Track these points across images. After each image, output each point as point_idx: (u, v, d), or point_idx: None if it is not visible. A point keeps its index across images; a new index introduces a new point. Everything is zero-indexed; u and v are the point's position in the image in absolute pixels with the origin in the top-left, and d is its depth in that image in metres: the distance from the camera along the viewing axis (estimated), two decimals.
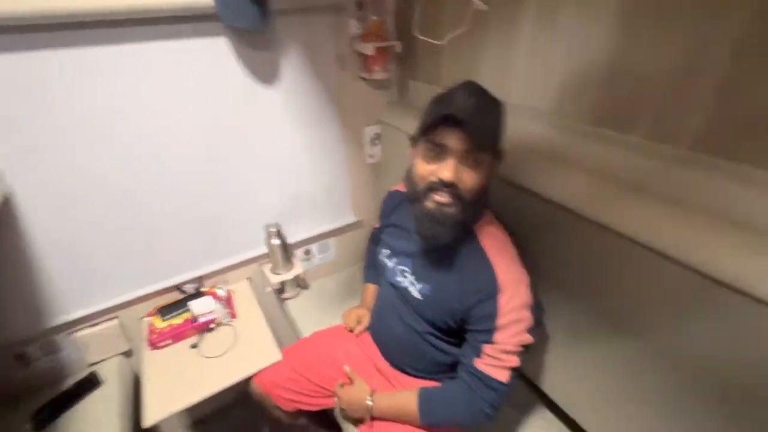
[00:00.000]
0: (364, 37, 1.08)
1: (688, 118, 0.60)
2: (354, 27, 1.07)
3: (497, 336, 0.69)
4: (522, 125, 0.83)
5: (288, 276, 1.22)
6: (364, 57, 1.11)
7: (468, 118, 0.59)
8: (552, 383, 0.91)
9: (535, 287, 0.72)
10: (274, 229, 1.16)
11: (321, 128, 1.17)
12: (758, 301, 0.50)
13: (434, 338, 0.82)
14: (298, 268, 1.24)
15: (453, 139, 0.63)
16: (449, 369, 0.84)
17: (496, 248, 0.73)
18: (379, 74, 1.13)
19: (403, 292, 0.84)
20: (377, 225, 1.06)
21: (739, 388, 0.56)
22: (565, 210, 0.73)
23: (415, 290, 0.81)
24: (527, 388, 0.99)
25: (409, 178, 0.74)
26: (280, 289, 1.29)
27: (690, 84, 0.59)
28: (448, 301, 0.75)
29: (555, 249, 0.79)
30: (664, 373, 0.65)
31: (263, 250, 1.22)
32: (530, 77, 0.84)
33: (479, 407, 0.72)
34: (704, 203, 0.59)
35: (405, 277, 0.84)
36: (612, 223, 0.65)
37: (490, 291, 0.69)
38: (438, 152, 0.65)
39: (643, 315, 0.66)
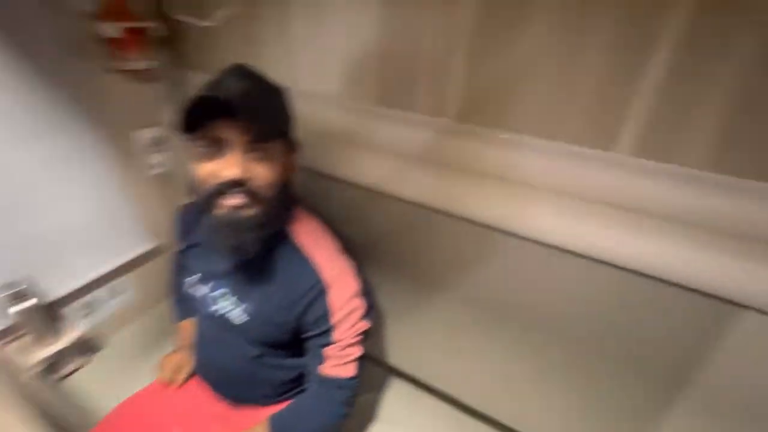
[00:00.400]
0: (103, 16, 0.83)
1: (449, 92, 0.68)
2: (80, 1, 0.81)
3: (335, 334, 0.66)
4: (316, 111, 0.80)
5: (59, 346, 0.88)
6: (109, 42, 0.86)
7: (240, 102, 0.51)
8: (397, 355, 0.96)
9: (361, 272, 0.71)
10: (15, 290, 0.81)
11: (66, 138, 0.86)
12: (521, 237, 0.62)
13: (271, 358, 0.73)
14: (75, 330, 0.92)
15: (230, 130, 0.54)
16: (299, 383, 0.77)
17: (315, 244, 0.68)
18: (137, 64, 0.90)
19: (222, 320, 0.71)
20: (178, 249, 0.87)
21: (531, 315, 0.69)
22: (368, 190, 0.74)
23: (237, 313, 0.69)
24: (377, 368, 1.02)
25: (192, 185, 0.60)
26: (53, 366, 0.93)
27: (444, 60, 0.66)
28: (276, 315, 0.67)
29: (369, 229, 0.81)
30: (476, 315, 0.76)
31: (7, 322, 0.84)
32: (313, 62, 0.81)
33: (334, 411, 0.69)
34: (470, 165, 0.69)
35: (224, 301, 0.71)
36: (407, 195, 0.70)
37: (318, 291, 0.65)
38: (217, 148, 0.55)
39: (450, 271, 0.75)
